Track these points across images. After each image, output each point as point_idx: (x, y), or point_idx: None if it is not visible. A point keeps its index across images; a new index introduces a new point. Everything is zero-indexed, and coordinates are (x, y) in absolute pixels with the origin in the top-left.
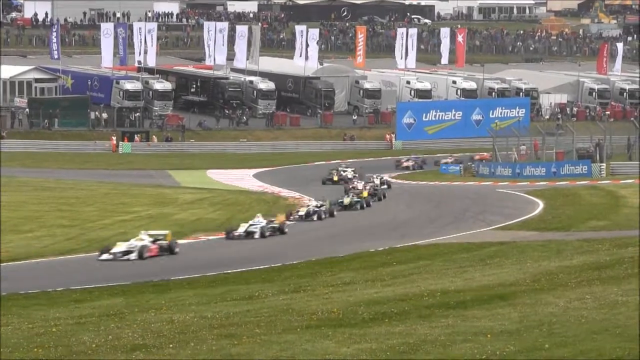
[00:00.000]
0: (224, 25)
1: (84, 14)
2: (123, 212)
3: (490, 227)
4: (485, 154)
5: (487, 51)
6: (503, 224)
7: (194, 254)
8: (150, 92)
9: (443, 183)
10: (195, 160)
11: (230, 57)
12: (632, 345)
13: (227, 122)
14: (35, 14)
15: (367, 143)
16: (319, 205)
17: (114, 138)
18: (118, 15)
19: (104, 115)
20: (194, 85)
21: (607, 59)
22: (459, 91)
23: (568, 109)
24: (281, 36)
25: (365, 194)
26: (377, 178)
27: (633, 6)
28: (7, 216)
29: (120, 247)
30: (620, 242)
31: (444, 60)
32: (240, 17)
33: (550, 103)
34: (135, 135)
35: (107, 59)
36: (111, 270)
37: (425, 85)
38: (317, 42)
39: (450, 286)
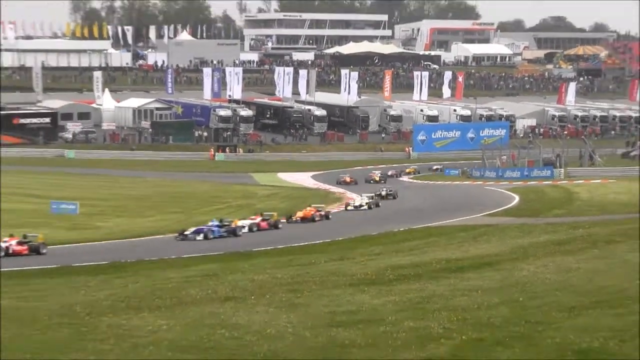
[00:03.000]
0: (290, 69)
1: (190, 61)
2: (218, 202)
3: (481, 214)
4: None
5: (478, 88)
6: (490, 212)
7: (268, 233)
8: (237, 117)
9: (446, 182)
10: (270, 166)
11: (294, 92)
12: (582, 298)
13: (292, 139)
14: (156, 62)
15: (392, 154)
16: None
17: (212, 150)
18: (214, 62)
19: (204, 134)
20: (269, 112)
21: (565, 93)
22: (458, 116)
23: (536, 130)
24: (331, 77)
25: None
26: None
27: (584, 56)
28: (136, 205)
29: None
30: (575, 225)
31: (447, 94)
32: (301, 64)
33: (524, 125)
34: (227, 148)
35: (206, 93)
36: (209, 244)
37: (434, 112)
38: (357, 82)
39: (452, 256)
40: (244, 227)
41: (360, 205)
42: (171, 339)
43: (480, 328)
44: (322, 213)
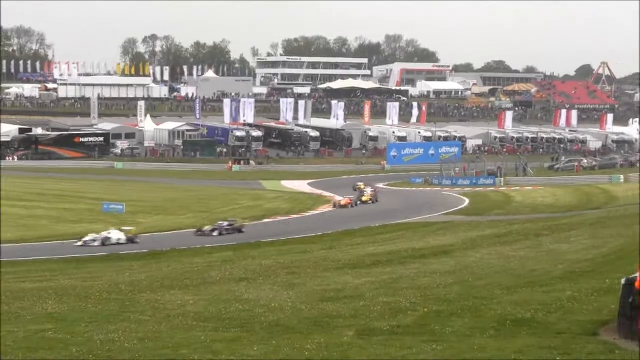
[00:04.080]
0: (291, 100)
1: (214, 93)
2: (234, 203)
3: (439, 213)
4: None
5: (437, 115)
6: (445, 211)
7: (271, 227)
8: (250, 137)
9: (412, 188)
10: (275, 175)
11: (294, 117)
12: (517, 279)
13: (292, 154)
14: (187, 94)
15: (370, 166)
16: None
17: (230, 162)
18: (232, 94)
19: (224, 150)
20: (274, 133)
21: (504, 120)
22: (421, 137)
23: (482, 148)
24: (323, 106)
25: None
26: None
27: (519, 91)
28: (170, 205)
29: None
30: (511, 222)
31: (414, 120)
32: (300, 96)
33: (472, 144)
34: (241, 161)
35: (226, 118)
36: (225, 238)
37: (403, 133)
38: (343, 110)
39: (416, 246)
40: None
41: (94, 240)
42: (196, 311)
43: (438, 302)
44: None
